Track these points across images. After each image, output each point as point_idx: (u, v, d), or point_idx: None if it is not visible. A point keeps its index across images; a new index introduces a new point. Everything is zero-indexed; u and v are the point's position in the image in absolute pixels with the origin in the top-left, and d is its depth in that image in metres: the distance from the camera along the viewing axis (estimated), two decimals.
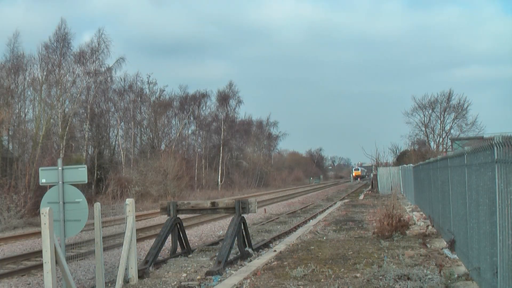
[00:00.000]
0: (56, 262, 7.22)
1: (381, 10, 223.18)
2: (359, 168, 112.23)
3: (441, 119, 53.33)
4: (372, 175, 48.39)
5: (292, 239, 13.94)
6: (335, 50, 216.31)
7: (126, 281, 9.38)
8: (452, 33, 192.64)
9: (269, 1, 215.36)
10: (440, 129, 53.36)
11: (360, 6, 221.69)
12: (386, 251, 11.07)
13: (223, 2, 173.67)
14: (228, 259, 11.10)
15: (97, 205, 8.62)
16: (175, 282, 9.61)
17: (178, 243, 12.86)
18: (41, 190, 20.29)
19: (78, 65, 37.86)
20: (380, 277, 8.34)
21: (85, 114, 39.84)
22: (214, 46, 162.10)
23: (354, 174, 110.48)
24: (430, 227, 13.97)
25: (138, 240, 13.68)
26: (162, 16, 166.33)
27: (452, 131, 52.67)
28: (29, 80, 35.32)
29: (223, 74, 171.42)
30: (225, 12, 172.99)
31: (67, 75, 37.10)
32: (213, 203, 12.97)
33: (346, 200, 33.12)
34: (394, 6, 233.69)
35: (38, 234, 14.55)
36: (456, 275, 8.06)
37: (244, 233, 12.76)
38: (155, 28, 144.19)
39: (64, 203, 8.44)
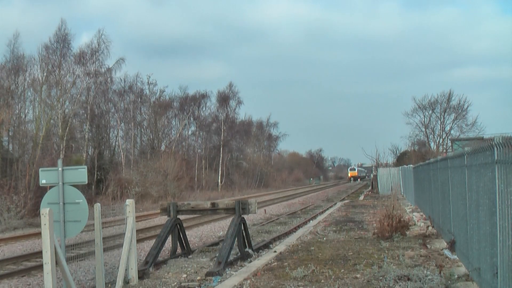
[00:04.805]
0: (56, 263, 7.22)
1: (379, 10, 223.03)
2: (355, 168, 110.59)
3: (441, 120, 53.50)
4: (372, 175, 48.39)
5: (292, 239, 13.93)
6: (333, 50, 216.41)
7: (126, 281, 9.38)
8: (450, 33, 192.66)
9: (266, 1, 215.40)
10: (440, 129, 53.55)
11: (357, 6, 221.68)
12: (386, 251, 11.07)
13: (221, 2, 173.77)
14: (228, 259, 11.09)
15: (97, 206, 8.63)
16: (175, 283, 9.61)
17: (178, 243, 12.85)
18: (41, 190, 20.28)
19: (78, 65, 37.89)
20: (380, 277, 8.34)
21: (85, 115, 39.85)
22: (212, 47, 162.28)
23: (349, 175, 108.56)
24: (430, 227, 13.97)
25: (138, 240, 13.68)
26: (160, 16, 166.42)
27: (452, 131, 52.87)
28: (29, 81, 35.37)
29: (222, 74, 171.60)
30: (222, 12, 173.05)
31: (67, 76, 37.15)
32: (213, 204, 12.98)
33: (346, 201, 33.11)
34: (392, 6, 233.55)
35: (38, 234, 14.55)
36: (456, 276, 8.07)
37: (244, 234, 12.76)
38: (153, 28, 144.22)
39: (64, 203, 8.44)
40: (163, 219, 19.30)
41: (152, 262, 10.98)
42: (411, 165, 27.20)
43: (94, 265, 9.38)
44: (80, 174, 8.68)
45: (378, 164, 42.35)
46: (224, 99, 62.58)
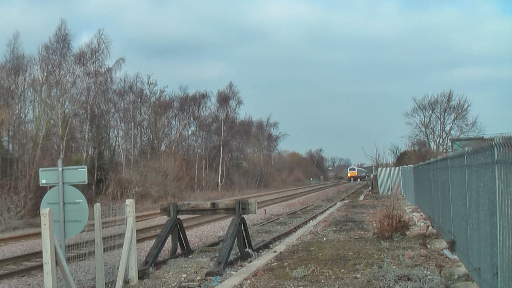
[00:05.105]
0: (56, 263, 7.22)
1: (379, 10, 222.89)
2: (355, 168, 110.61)
3: (441, 120, 53.49)
4: (372, 175, 48.40)
5: (292, 239, 13.93)
6: (333, 50, 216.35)
7: (126, 281, 9.38)
8: (450, 33, 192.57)
9: (266, 1, 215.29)
10: (440, 129, 53.53)
11: (357, 6, 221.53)
12: (386, 251, 11.07)
13: (221, 2, 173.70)
14: (228, 259, 11.09)
15: (97, 206, 8.63)
16: (175, 283, 9.61)
17: (178, 243, 12.85)
18: (41, 190, 20.28)
19: (78, 65, 37.88)
20: (380, 277, 8.34)
21: (85, 115, 39.85)
22: (212, 47, 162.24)
23: (349, 175, 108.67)
24: (430, 227, 13.97)
25: (138, 240, 13.69)
26: (160, 16, 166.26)
27: (452, 131, 52.84)
28: (29, 81, 35.37)
29: (222, 74, 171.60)
30: (222, 12, 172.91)
31: (67, 76, 37.16)
32: (213, 204, 12.98)
33: (346, 201, 33.12)
34: (392, 6, 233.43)
35: (38, 235, 14.55)
36: (456, 276, 8.07)
37: (244, 234, 12.76)
38: (153, 28, 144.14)
39: (64, 203, 8.44)
40: (163, 219, 19.30)
41: (152, 262, 10.98)
42: (411, 165, 27.19)
43: (94, 265, 9.38)
44: (80, 174, 8.68)
45: (378, 164, 42.35)
46: (224, 99, 62.59)
